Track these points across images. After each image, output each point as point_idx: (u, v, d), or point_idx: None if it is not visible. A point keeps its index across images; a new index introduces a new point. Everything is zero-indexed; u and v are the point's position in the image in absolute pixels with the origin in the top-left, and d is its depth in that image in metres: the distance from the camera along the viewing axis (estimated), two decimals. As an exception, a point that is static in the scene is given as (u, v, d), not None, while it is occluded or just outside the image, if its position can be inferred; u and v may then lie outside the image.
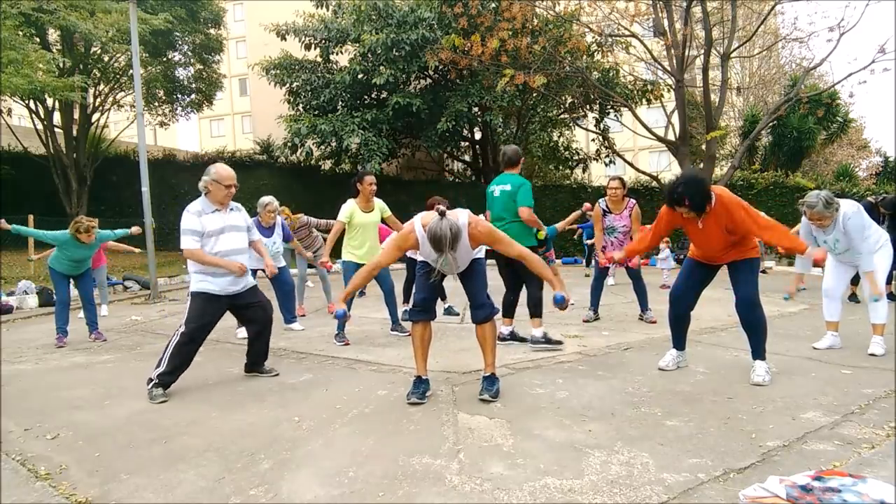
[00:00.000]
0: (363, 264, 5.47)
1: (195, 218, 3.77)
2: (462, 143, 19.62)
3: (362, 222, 5.32)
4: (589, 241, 10.92)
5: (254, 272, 5.89)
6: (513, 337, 4.92)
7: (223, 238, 3.84)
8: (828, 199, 4.05)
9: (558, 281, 3.29)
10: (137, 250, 7.82)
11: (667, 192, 3.56)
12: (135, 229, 6.58)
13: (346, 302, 5.19)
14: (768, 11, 13.21)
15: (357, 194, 5.33)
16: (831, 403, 3.15)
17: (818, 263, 3.51)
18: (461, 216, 3.30)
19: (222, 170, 3.86)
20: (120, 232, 6.35)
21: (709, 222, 3.51)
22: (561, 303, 3.20)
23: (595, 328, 5.63)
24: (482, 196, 5.49)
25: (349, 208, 5.28)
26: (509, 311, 4.99)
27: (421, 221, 3.31)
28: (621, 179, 5.99)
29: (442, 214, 3.10)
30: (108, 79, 15.71)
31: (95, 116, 16.25)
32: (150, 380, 3.69)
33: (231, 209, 3.98)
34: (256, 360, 4.18)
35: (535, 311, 4.72)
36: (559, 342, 4.71)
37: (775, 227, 3.49)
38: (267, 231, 5.97)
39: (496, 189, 4.90)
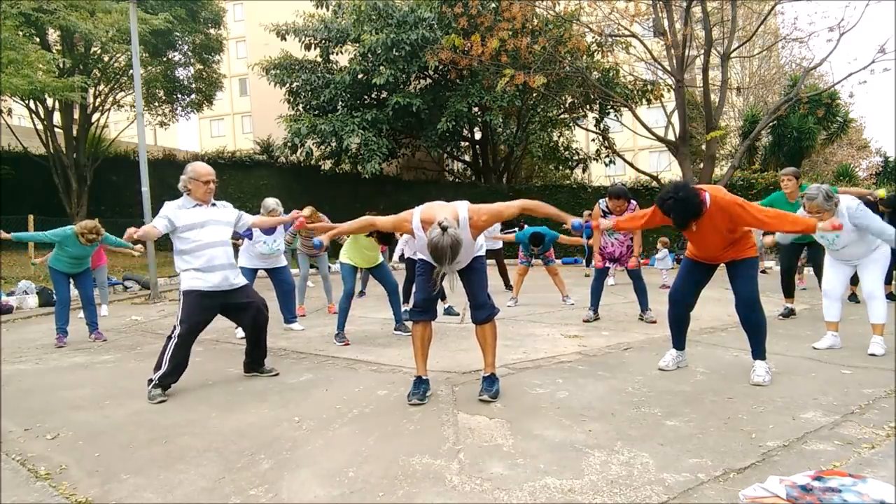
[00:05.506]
0: (358, 267, 5.52)
1: (174, 209, 3.86)
2: (462, 143, 19.63)
3: (365, 244, 5.43)
4: (588, 241, 10.89)
5: (254, 272, 5.95)
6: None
7: (205, 230, 3.89)
8: (828, 193, 4.06)
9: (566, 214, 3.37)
10: (138, 252, 7.82)
11: (658, 198, 3.57)
12: (138, 247, 6.61)
13: (349, 292, 5.27)
14: (768, 11, 13.22)
15: None
16: (831, 403, 3.15)
17: (836, 229, 3.50)
18: (461, 211, 3.25)
19: (199, 167, 3.93)
20: (122, 241, 6.37)
21: (703, 224, 3.50)
22: (580, 228, 3.30)
23: (595, 328, 5.63)
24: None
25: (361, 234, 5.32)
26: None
27: (420, 216, 3.27)
28: (626, 196, 5.75)
29: (444, 229, 2.95)
30: (108, 79, 15.70)
31: (95, 116, 16.25)
32: (151, 381, 3.68)
33: (214, 205, 4.04)
34: (256, 359, 4.18)
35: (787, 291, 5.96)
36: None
37: (778, 216, 3.52)
38: (268, 230, 5.98)
39: None
